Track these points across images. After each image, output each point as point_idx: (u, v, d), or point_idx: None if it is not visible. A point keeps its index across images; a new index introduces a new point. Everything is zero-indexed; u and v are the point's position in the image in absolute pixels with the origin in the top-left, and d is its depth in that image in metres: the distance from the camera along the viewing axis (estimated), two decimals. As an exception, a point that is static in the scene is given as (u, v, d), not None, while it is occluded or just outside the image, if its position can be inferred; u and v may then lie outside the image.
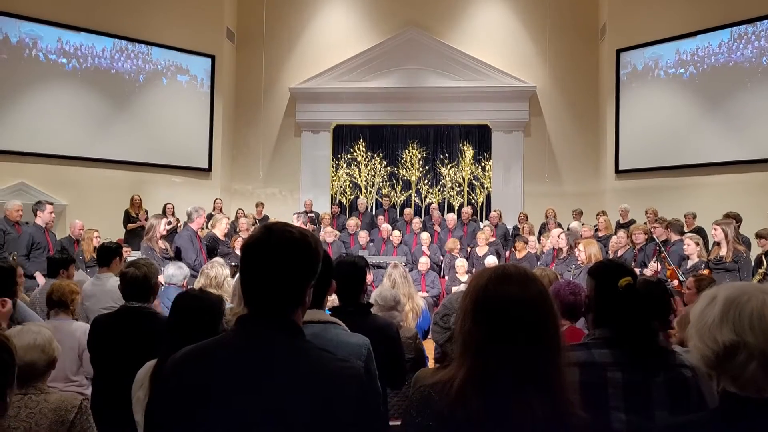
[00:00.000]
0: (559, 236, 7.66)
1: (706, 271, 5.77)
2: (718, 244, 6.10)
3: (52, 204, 7.83)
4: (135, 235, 9.91)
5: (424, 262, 8.81)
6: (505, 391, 1.32)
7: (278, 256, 1.38)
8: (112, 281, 4.34)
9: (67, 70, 11.24)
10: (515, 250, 9.12)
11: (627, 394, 1.78)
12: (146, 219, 9.84)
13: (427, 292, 8.53)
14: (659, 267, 6.88)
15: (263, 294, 1.39)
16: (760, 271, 6.67)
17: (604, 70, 12.62)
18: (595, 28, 13.00)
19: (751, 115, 10.31)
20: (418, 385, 1.49)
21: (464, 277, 8.28)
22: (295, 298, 1.42)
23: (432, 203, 12.69)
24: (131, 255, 8.12)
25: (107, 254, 4.62)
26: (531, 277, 1.43)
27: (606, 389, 1.78)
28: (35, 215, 7.50)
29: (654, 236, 7.35)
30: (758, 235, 7.14)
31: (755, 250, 7.22)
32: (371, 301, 3.64)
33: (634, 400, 1.78)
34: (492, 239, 9.56)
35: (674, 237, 7.20)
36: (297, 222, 8.99)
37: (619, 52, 12.14)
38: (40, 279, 6.40)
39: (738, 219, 7.60)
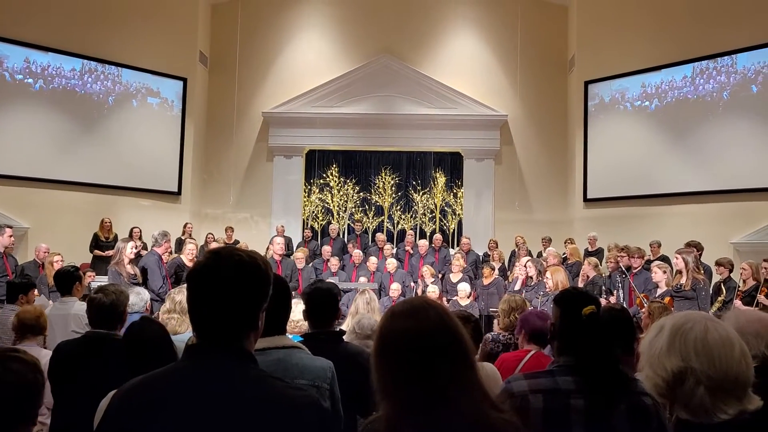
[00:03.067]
0: (525, 264, 7.74)
1: (667, 299, 5.89)
2: (679, 272, 6.24)
3: (11, 227, 7.64)
4: (102, 259, 9.70)
5: (395, 288, 8.80)
6: (425, 421, 1.36)
7: (227, 282, 1.34)
8: (77, 306, 4.23)
9: (34, 91, 11.02)
10: (482, 276, 9.19)
11: (589, 421, 1.81)
12: (114, 242, 9.68)
13: (397, 318, 8.50)
14: (623, 296, 6.99)
15: (213, 321, 1.35)
16: (720, 298, 6.81)
17: (573, 101, 12.92)
18: (564, 60, 13.33)
19: (714, 147, 10.62)
20: (367, 420, 1.54)
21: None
22: (246, 324, 1.38)
23: (406, 230, 12.72)
24: (96, 280, 7.95)
25: (67, 280, 4.40)
26: (421, 308, 1.46)
27: (569, 416, 1.81)
28: None
29: (620, 265, 7.50)
30: (717, 263, 7.32)
31: (716, 278, 7.40)
32: (348, 328, 3.63)
33: (596, 427, 1.80)
34: (464, 266, 9.62)
35: (636, 265, 7.35)
36: (272, 247, 8.77)
37: (587, 83, 12.46)
38: None
39: (699, 248, 7.78)
